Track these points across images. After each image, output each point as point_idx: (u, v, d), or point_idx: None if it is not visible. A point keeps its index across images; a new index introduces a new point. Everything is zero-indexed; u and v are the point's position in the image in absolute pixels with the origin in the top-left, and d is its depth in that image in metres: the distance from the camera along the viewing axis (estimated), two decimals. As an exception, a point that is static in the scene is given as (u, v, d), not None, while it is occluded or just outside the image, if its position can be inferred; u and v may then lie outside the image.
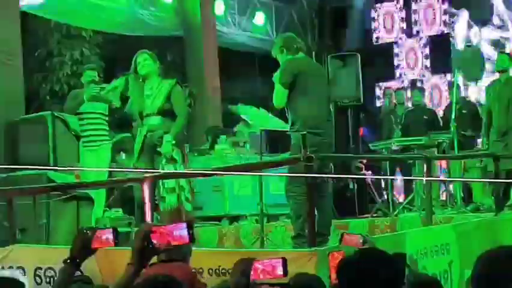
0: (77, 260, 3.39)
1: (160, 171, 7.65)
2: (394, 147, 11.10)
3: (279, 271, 3.11)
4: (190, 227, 2.98)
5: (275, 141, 9.44)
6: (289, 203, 7.29)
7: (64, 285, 3.42)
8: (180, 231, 3.01)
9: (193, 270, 5.55)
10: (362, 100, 12.28)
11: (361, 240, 4.77)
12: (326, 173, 7.36)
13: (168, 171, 7.71)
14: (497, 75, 10.69)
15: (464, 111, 11.66)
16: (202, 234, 9.34)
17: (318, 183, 7.04)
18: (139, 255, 3.06)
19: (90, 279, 5.35)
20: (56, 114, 10.28)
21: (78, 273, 3.48)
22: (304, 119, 7.26)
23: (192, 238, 2.99)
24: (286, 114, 7.52)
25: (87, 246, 3.33)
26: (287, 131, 7.54)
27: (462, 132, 11.10)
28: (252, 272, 3.16)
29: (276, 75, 7.47)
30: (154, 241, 3.03)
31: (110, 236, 3.26)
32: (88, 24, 14.58)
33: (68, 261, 3.39)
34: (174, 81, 8.07)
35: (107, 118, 9.86)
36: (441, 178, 11.55)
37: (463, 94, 12.42)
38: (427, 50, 16.91)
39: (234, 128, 11.46)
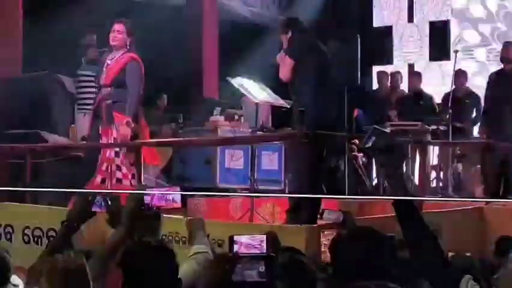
0: (76, 223, 3.38)
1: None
2: (387, 130, 11.06)
3: (263, 248, 3.11)
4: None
5: (272, 116, 9.42)
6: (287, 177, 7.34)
7: (60, 246, 3.42)
8: (173, 195, 3.01)
9: None
10: (358, 81, 12.22)
11: (341, 218, 4.75)
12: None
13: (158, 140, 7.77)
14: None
15: (467, 101, 11.58)
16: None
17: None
18: (131, 217, 3.06)
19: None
20: (53, 74, 10.22)
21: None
22: (306, 95, 7.30)
23: (184, 204, 2.99)
24: (290, 93, 7.59)
25: (86, 210, 3.32)
26: (284, 106, 7.57)
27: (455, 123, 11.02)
28: (236, 245, 3.16)
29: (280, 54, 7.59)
30: (147, 203, 3.03)
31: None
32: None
33: (66, 223, 3.38)
34: None
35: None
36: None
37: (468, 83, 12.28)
38: (427, 35, 16.81)
39: (240, 101, 11.37)
